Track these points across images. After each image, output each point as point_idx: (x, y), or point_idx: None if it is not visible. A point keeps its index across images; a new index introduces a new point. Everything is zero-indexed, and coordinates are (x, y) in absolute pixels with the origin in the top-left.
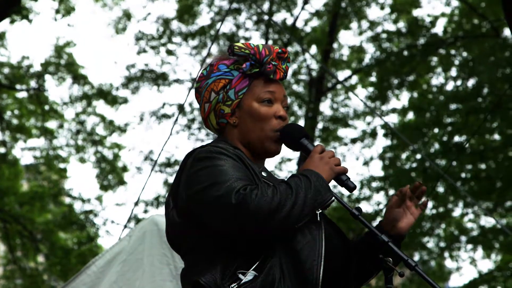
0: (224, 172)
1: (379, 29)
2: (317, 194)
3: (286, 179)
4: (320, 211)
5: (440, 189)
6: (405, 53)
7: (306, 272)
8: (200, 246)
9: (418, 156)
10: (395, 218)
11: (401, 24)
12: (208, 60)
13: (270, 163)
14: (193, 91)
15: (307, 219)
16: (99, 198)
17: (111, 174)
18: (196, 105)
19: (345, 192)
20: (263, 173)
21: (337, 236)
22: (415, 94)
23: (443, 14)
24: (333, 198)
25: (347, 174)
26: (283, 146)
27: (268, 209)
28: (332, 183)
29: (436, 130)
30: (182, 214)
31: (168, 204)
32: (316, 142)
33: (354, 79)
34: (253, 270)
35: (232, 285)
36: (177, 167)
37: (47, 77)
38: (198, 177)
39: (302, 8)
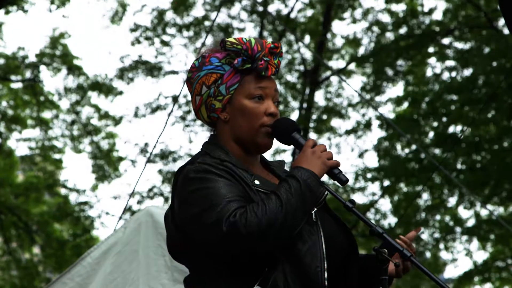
0: (214, 195)
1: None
2: (309, 194)
3: (275, 189)
4: (315, 209)
5: (435, 180)
6: (401, 43)
7: (311, 279)
8: (201, 265)
9: (414, 147)
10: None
11: (396, 8)
12: (202, 50)
13: (266, 156)
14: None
15: (304, 222)
16: (94, 188)
17: (106, 165)
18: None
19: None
20: (256, 181)
21: (337, 227)
22: (411, 81)
23: (437, 6)
24: (326, 192)
25: (339, 167)
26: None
27: (259, 230)
28: (324, 176)
29: (431, 121)
30: (179, 230)
31: (167, 217)
32: (311, 133)
33: (349, 68)
34: (258, 286)
35: None
36: (171, 158)
37: (42, 68)
38: (189, 201)
39: None
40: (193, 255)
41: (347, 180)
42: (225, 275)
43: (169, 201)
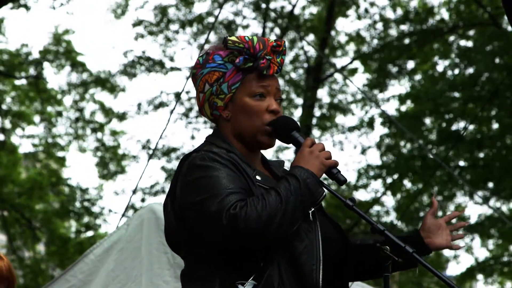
0: (217, 184)
1: (376, 16)
2: (308, 194)
3: (275, 186)
4: (313, 209)
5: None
6: (406, 41)
7: (306, 277)
8: (197, 254)
9: (416, 144)
10: (430, 229)
11: (400, 12)
12: (206, 47)
13: (267, 154)
14: (190, 79)
15: (301, 221)
16: (98, 187)
17: (111, 162)
18: (193, 94)
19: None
20: (257, 177)
21: (332, 226)
22: (414, 79)
23: (444, 3)
24: (325, 193)
25: (337, 167)
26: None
27: (258, 225)
28: (323, 176)
29: (434, 118)
30: (178, 219)
31: (166, 206)
32: (314, 130)
33: (352, 66)
34: (252, 280)
35: None
36: (174, 155)
37: (46, 64)
38: (192, 188)
39: None
40: (191, 245)
41: (346, 180)
42: (221, 267)
43: None
